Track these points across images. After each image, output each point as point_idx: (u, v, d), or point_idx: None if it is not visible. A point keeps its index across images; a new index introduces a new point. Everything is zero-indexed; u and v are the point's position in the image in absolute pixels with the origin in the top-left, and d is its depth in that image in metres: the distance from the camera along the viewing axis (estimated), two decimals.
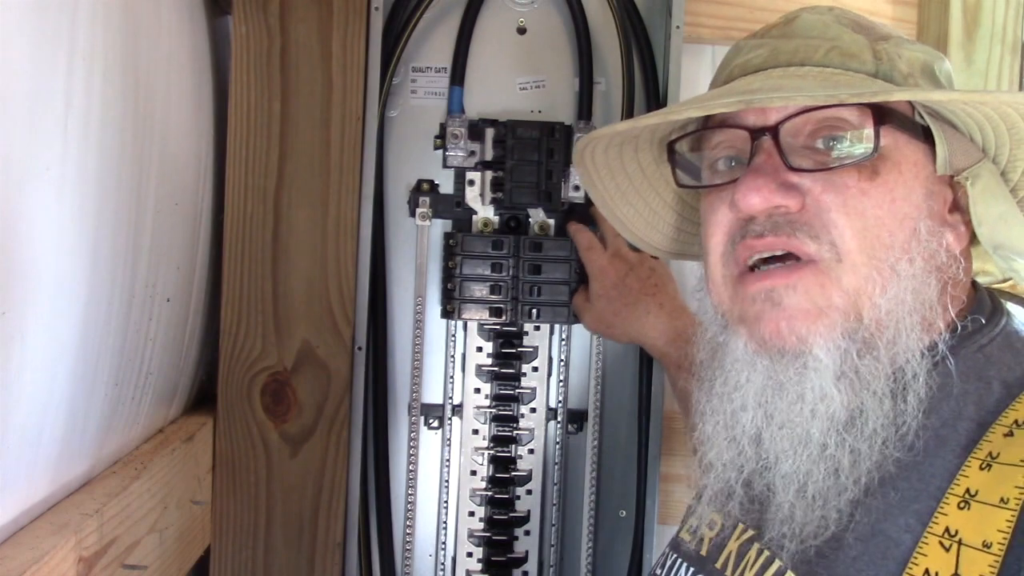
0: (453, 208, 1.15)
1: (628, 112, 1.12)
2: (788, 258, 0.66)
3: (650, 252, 0.93)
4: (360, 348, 1.08)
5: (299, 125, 1.05)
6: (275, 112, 1.05)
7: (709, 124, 0.74)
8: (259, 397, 1.06)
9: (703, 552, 0.74)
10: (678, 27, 1.12)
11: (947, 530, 0.58)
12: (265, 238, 1.05)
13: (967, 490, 0.59)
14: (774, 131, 0.66)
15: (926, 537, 0.58)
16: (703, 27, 1.24)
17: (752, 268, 0.68)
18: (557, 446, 1.16)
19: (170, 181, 0.91)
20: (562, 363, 1.16)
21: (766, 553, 0.67)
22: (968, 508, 0.58)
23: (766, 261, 0.67)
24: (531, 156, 1.11)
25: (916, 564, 0.58)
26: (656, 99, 1.14)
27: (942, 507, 0.59)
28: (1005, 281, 0.74)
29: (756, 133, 0.67)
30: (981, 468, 0.59)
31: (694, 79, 1.25)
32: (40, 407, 0.66)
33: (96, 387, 0.77)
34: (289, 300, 1.06)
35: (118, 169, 0.76)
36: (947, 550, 0.57)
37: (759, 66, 0.71)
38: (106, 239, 0.75)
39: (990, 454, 0.59)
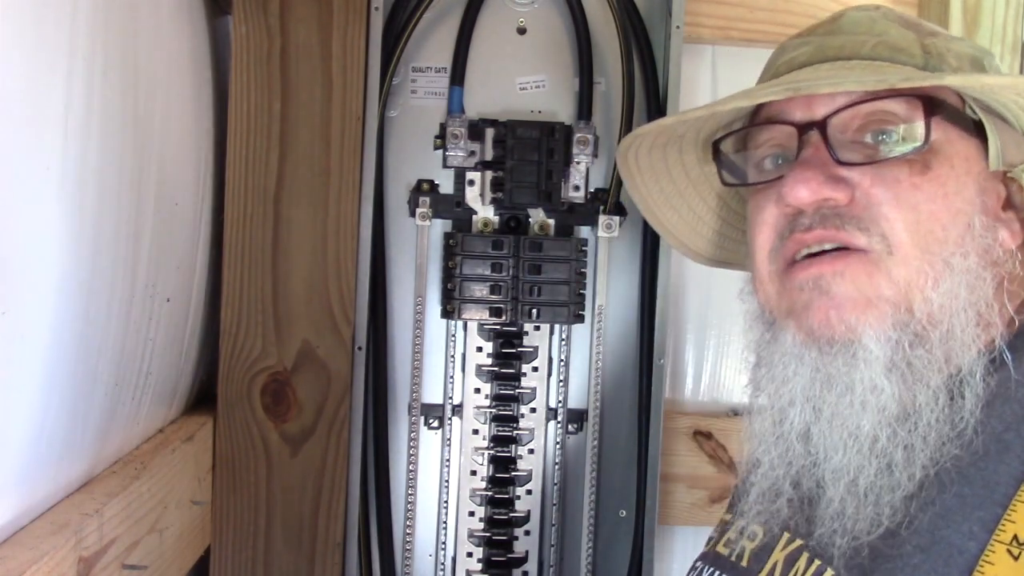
0: (453, 208, 1.15)
1: (628, 112, 1.12)
2: (837, 251, 0.65)
3: (692, 259, 0.90)
4: (360, 348, 1.08)
5: (299, 125, 1.05)
6: (275, 112, 1.05)
7: (755, 122, 0.72)
8: (259, 397, 1.06)
9: (744, 563, 0.72)
10: (678, 27, 1.12)
11: (1015, 538, 0.56)
12: (265, 238, 1.05)
13: None
14: (822, 125, 0.65)
15: (992, 545, 0.56)
16: (703, 27, 1.24)
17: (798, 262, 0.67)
18: (557, 446, 1.16)
19: (170, 181, 0.91)
20: (562, 363, 1.16)
21: (817, 563, 0.65)
22: None
23: (814, 256, 0.66)
24: (531, 156, 1.11)
25: (982, 572, 0.56)
26: (656, 99, 1.14)
27: (1009, 514, 0.57)
28: None
29: (803, 128, 0.66)
30: None
31: (694, 79, 1.25)
32: (40, 407, 0.66)
33: (96, 387, 0.77)
34: (289, 300, 1.06)
35: (118, 169, 0.76)
36: (1016, 558, 0.55)
37: (805, 62, 0.70)
38: (106, 239, 0.75)
39: None
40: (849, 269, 0.63)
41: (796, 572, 0.67)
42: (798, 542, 0.68)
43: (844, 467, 0.64)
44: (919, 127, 0.63)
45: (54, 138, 0.65)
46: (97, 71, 0.71)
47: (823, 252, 0.65)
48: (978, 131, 0.66)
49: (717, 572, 0.75)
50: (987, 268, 0.64)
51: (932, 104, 0.64)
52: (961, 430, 0.61)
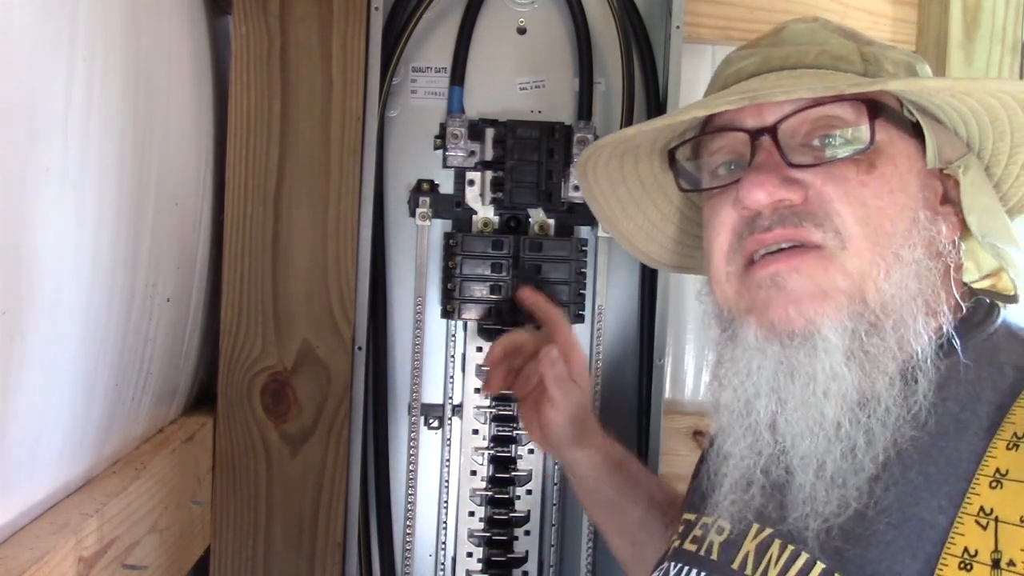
0: (453, 208, 1.15)
1: (628, 112, 1.12)
2: (793, 248, 0.68)
3: (650, 265, 0.94)
4: (360, 348, 1.08)
5: (299, 125, 1.05)
6: (275, 112, 1.05)
7: (707, 130, 0.75)
8: (259, 397, 1.06)
9: (714, 557, 0.73)
10: (678, 27, 1.12)
11: (982, 509, 0.59)
12: (265, 238, 1.05)
13: (997, 470, 0.60)
14: (773, 130, 0.68)
15: (961, 517, 0.59)
16: (703, 27, 1.24)
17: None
18: None
19: (170, 181, 0.91)
20: None
21: (790, 548, 0.67)
22: (1001, 487, 0.59)
23: (771, 254, 0.69)
24: (531, 156, 1.11)
25: (954, 543, 0.59)
26: (656, 99, 1.14)
27: (974, 487, 0.60)
28: (984, 278, 0.76)
29: (755, 134, 0.69)
30: (1008, 448, 0.60)
31: (694, 79, 1.25)
32: (40, 407, 0.66)
33: (96, 387, 0.77)
34: (289, 300, 1.06)
35: (118, 169, 0.76)
36: (984, 528, 0.58)
37: (753, 72, 0.74)
38: (106, 239, 0.75)
39: (1015, 434, 0.61)
40: (805, 264, 0.67)
41: (770, 558, 0.68)
42: (768, 530, 0.69)
43: (811, 453, 0.67)
44: (864, 129, 0.67)
45: (54, 138, 0.65)
46: (97, 71, 0.71)
47: (780, 251, 0.68)
48: (916, 132, 0.70)
49: (686, 567, 0.75)
50: (932, 259, 0.68)
51: (876, 107, 0.67)
52: (916, 412, 0.64)
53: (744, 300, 0.70)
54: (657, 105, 1.14)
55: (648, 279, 1.15)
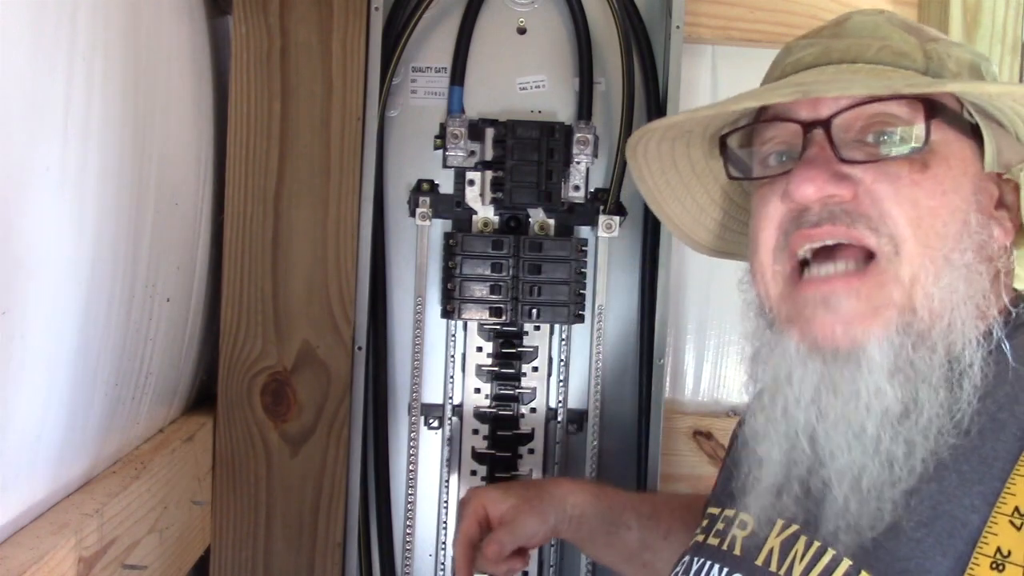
0: (453, 208, 1.15)
1: (628, 112, 1.12)
2: (839, 249, 0.67)
3: (695, 249, 0.92)
4: (360, 348, 1.08)
5: (299, 125, 1.05)
6: (275, 112, 1.05)
7: (761, 119, 0.74)
8: (259, 397, 1.06)
9: (736, 552, 0.73)
10: (678, 27, 1.12)
11: (1016, 509, 0.58)
12: (265, 238, 1.05)
13: None
14: (826, 124, 0.67)
15: (995, 516, 0.59)
16: (703, 27, 1.24)
17: (803, 263, 0.69)
18: (557, 446, 1.16)
19: (170, 181, 0.91)
20: (562, 363, 1.16)
21: (817, 544, 0.66)
22: None
23: (818, 253, 0.68)
24: (531, 156, 1.11)
25: (986, 543, 0.58)
26: (656, 99, 1.14)
27: (1009, 487, 0.59)
28: None
29: (808, 126, 0.68)
30: None
31: (694, 79, 1.25)
32: (40, 407, 0.66)
33: (96, 387, 0.77)
34: (289, 300, 1.06)
35: (118, 169, 0.76)
36: (1018, 528, 0.58)
37: (811, 63, 0.72)
38: (106, 239, 0.75)
39: None
40: (865, 286, 0.66)
41: (795, 554, 0.68)
42: (794, 527, 0.69)
43: (848, 467, 0.66)
44: (920, 129, 0.66)
45: (54, 138, 0.65)
46: (97, 71, 0.71)
47: (826, 249, 0.67)
48: (974, 134, 0.69)
49: (708, 562, 0.75)
50: (983, 263, 0.67)
51: (933, 107, 0.66)
52: (959, 420, 0.63)
53: (787, 308, 0.70)
54: (657, 105, 1.14)
55: (648, 279, 1.15)
